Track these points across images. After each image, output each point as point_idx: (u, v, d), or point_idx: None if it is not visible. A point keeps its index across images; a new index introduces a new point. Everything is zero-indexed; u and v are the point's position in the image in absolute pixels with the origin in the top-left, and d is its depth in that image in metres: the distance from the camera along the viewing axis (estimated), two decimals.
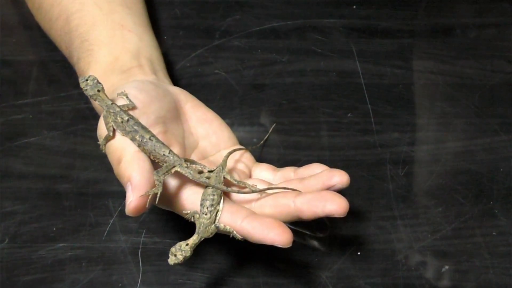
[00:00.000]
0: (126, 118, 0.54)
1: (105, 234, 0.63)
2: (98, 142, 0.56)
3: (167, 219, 0.63)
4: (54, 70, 0.76)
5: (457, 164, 0.68)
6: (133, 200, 0.50)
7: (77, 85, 0.70)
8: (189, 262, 0.60)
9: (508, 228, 0.63)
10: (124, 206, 0.63)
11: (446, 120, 0.72)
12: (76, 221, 0.64)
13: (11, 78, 0.75)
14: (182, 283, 0.60)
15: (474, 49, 0.79)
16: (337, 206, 0.51)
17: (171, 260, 0.51)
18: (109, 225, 0.63)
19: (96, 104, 0.62)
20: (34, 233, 0.63)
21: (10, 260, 0.61)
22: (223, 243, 0.62)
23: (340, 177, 0.54)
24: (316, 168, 0.57)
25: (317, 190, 0.54)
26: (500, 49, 0.79)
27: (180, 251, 0.51)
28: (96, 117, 0.68)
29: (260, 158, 0.68)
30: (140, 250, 0.62)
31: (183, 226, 0.62)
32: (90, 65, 0.63)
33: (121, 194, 0.65)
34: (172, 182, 0.54)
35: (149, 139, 0.53)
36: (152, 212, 0.64)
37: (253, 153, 0.65)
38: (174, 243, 0.52)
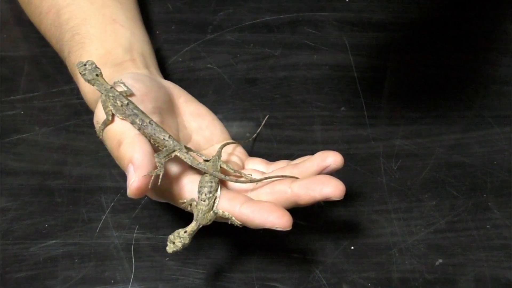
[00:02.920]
0: (126, 102, 0.54)
1: (97, 230, 0.62)
2: (95, 129, 0.55)
3: (160, 214, 0.63)
4: (45, 65, 0.76)
5: (450, 157, 0.68)
6: (136, 180, 0.49)
7: (69, 80, 0.70)
8: (182, 257, 0.60)
9: (502, 221, 0.63)
10: (116, 201, 0.64)
11: (440, 113, 0.72)
12: (69, 218, 0.63)
13: (2, 74, 0.75)
14: (175, 279, 0.60)
15: (468, 42, 0.79)
16: (334, 188, 0.51)
17: (170, 248, 0.51)
18: (102, 221, 0.63)
19: (88, 96, 0.62)
20: (26, 230, 0.62)
21: (3, 257, 0.61)
22: (216, 238, 0.62)
23: (334, 157, 0.54)
24: None
25: (312, 172, 0.55)
26: (494, 42, 0.79)
27: (179, 238, 0.51)
28: (88, 112, 0.68)
29: (252, 152, 0.68)
30: (132, 246, 0.61)
31: (176, 222, 0.63)
32: (81, 58, 0.62)
33: (114, 190, 0.65)
34: (169, 171, 0.54)
35: (149, 123, 0.53)
36: (145, 208, 0.64)
37: (245, 147, 0.65)
38: (167, 239, 0.51)
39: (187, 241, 0.51)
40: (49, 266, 0.60)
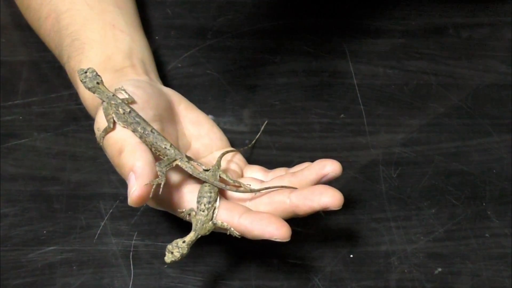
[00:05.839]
0: (128, 109, 0.54)
1: (96, 237, 0.62)
2: (95, 135, 0.55)
3: (159, 221, 0.63)
4: (45, 70, 0.76)
5: (449, 165, 0.68)
6: (137, 188, 0.49)
7: (67, 85, 0.70)
8: (180, 265, 0.60)
9: (501, 230, 0.63)
10: (115, 208, 0.64)
11: (439, 120, 0.72)
12: (67, 224, 0.63)
13: (1, 79, 0.74)
14: (173, 286, 0.59)
15: (467, 49, 0.79)
16: (332, 198, 0.52)
17: (168, 258, 0.51)
18: (100, 227, 0.63)
19: (88, 102, 0.62)
20: (24, 236, 0.62)
21: (0, 263, 0.60)
22: (215, 245, 0.62)
23: (332, 166, 0.54)
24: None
25: (311, 181, 0.55)
26: (493, 49, 0.79)
27: (177, 248, 0.51)
28: (87, 118, 0.68)
29: (251, 159, 0.68)
30: (131, 253, 0.61)
31: (175, 229, 0.63)
32: (81, 63, 0.62)
33: (112, 196, 0.65)
34: (169, 180, 0.54)
35: (151, 131, 0.53)
36: (144, 215, 0.64)
37: (244, 154, 0.65)
38: (166, 246, 0.51)
39: (185, 251, 0.51)
40: (47, 273, 0.60)
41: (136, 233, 0.62)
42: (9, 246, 0.61)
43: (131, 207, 0.62)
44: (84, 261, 0.61)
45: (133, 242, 0.62)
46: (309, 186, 0.54)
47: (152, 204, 0.56)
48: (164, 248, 0.51)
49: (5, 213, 0.64)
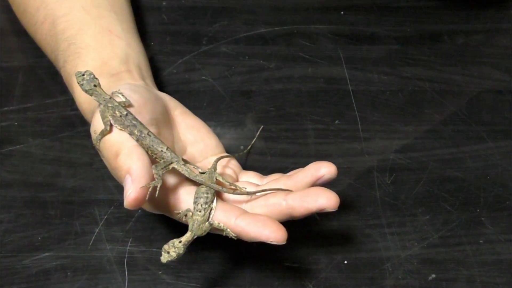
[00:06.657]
0: (125, 112, 0.54)
1: (90, 243, 0.62)
2: (92, 138, 0.55)
3: (153, 227, 0.63)
4: (40, 76, 0.76)
5: (444, 172, 0.68)
6: (133, 191, 0.49)
7: (63, 91, 0.70)
8: (175, 271, 0.60)
9: (495, 236, 0.63)
10: (110, 214, 0.64)
11: (434, 127, 0.72)
12: (62, 230, 0.63)
13: None
14: None
15: (462, 56, 0.79)
16: (328, 199, 0.52)
17: (164, 258, 0.51)
18: (95, 234, 0.63)
19: (84, 106, 0.62)
20: (19, 242, 0.62)
21: None
22: (210, 251, 0.62)
23: (328, 168, 0.54)
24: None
25: (306, 183, 0.55)
26: (488, 56, 0.79)
27: (174, 247, 0.51)
28: (83, 123, 0.68)
29: (246, 165, 0.68)
30: (126, 259, 0.61)
31: (170, 235, 0.63)
32: (77, 67, 0.62)
33: (107, 203, 0.65)
34: (165, 182, 0.54)
35: (148, 134, 0.53)
36: (138, 221, 0.64)
37: (239, 160, 0.64)
38: (162, 249, 0.51)
39: (181, 251, 0.51)
40: (42, 279, 0.60)
41: (130, 239, 0.63)
42: (4, 252, 0.61)
43: (126, 213, 0.63)
44: (78, 267, 0.61)
45: (128, 248, 0.62)
46: (305, 188, 0.54)
47: (148, 208, 0.56)
48: (159, 254, 0.51)
49: (0, 219, 0.63)
